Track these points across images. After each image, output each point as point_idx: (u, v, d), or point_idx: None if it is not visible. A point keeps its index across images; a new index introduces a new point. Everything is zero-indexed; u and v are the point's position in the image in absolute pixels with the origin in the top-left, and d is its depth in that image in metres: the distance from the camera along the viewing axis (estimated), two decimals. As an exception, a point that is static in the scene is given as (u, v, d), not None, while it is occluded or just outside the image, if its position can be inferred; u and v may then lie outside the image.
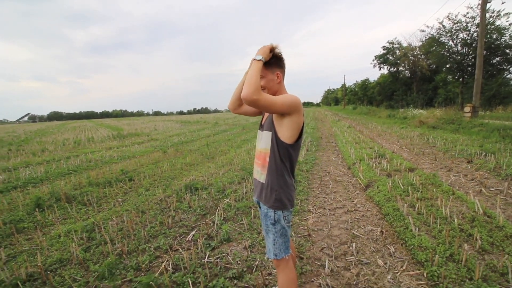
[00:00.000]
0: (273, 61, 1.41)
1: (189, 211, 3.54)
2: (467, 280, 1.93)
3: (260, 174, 1.49)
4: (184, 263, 2.34)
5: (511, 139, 6.91)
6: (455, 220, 2.75)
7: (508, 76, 19.00)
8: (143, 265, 2.38)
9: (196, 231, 2.97)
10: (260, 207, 1.54)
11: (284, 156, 1.41)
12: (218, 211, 3.41)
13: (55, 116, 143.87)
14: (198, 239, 2.74)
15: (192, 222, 3.22)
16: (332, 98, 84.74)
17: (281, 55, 1.44)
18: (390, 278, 2.06)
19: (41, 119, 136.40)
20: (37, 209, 3.81)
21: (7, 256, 2.68)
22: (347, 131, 11.71)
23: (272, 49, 1.39)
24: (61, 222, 3.54)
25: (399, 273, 2.11)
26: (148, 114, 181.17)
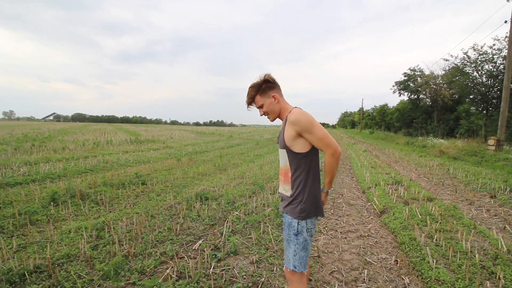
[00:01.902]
0: (265, 87, 1.50)
1: (198, 220, 3.51)
2: (490, 322, 1.77)
3: (286, 189, 1.51)
4: (188, 272, 2.30)
5: (540, 177, 6.50)
6: (476, 255, 2.57)
7: (536, 111, 18.19)
8: (148, 269, 2.36)
9: (203, 241, 2.94)
10: (283, 217, 1.55)
11: (305, 166, 1.43)
12: (227, 222, 3.37)
13: (79, 118, 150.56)
14: (205, 249, 2.70)
15: (200, 231, 3.19)
16: (348, 121, 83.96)
17: (270, 78, 1.50)
18: (403, 311, 1.93)
19: (65, 119, 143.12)
20: (52, 203, 3.92)
21: (18, 246, 2.74)
22: (362, 154, 11.47)
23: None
24: (73, 218, 3.61)
25: (413, 307, 1.97)
26: (165, 123, 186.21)
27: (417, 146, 15.40)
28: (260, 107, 1.52)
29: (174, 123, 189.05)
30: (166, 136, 21.10)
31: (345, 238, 3.20)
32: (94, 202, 4.23)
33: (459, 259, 2.54)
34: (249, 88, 1.52)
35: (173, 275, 2.28)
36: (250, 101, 1.53)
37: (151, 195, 4.66)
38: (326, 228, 3.46)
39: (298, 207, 1.43)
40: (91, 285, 2.15)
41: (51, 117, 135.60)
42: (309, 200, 1.43)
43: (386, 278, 2.35)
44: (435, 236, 3.01)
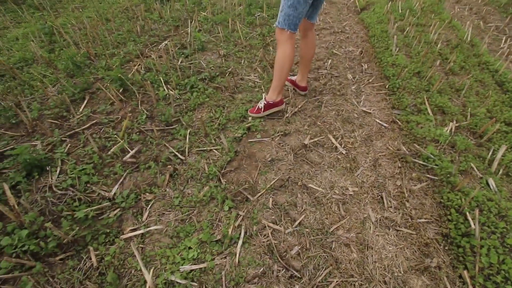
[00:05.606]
0: None
1: (160, 22, 3.16)
2: (423, 91, 2.07)
3: None
4: (156, 67, 2.31)
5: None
6: (439, 45, 2.66)
7: None
8: (114, 66, 2.33)
9: (169, 41, 2.77)
10: None
11: None
12: (193, 22, 3.07)
13: None
14: (171, 48, 2.59)
15: (164, 33, 2.94)
16: None
17: None
18: (353, 88, 2.18)
19: None
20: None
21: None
22: None
23: None
24: (15, 26, 3.16)
25: (363, 85, 2.22)
26: None
27: None
28: None
29: None
30: None
31: (318, 35, 3.10)
32: (33, 7, 3.57)
33: (421, 47, 2.63)
34: None
35: (141, 70, 2.30)
36: None
37: (101, -3, 3.91)
38: (300, 27, 3.28)
39: None
40: (59, 82, 2.17)
41: None
42: None
43: (347, 66, 2.49)
44: (407, 29, 2.96)
